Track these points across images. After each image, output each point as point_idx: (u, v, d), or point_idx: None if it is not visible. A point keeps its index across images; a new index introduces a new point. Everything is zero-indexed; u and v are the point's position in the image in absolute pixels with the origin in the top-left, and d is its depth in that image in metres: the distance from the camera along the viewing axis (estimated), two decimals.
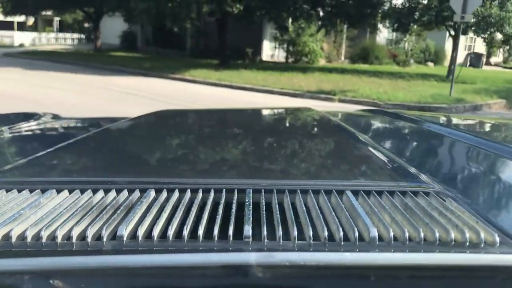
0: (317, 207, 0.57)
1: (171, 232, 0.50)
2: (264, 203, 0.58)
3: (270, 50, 22.67)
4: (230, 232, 0.49)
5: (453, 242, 0.48)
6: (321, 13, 17.21)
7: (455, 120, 1.80)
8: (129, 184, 0.65)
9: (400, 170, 0.79)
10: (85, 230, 0.50)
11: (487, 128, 1.52)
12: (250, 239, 0.48)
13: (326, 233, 0.49)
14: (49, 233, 0.50)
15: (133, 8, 15.91)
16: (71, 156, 0.91)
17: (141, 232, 0.50)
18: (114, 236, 0.49)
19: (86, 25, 33.80)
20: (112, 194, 0.61)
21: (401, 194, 0.62)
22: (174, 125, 1.43)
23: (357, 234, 0.49)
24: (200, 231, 0.49)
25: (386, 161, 0.85)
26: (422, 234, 0.49)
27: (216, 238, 0.49)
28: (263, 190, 0.62)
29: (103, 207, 0.57)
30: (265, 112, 1.97)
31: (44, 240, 0.48)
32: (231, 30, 17.29)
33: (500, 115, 9.26)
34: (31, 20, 42.07)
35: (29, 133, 1.36)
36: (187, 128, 1.40)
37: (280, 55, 22.39)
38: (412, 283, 0.45)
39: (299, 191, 0.62)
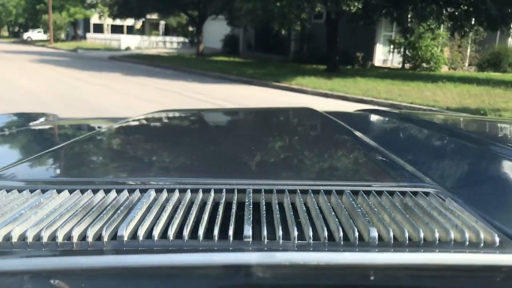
0: (317, 207, 0.57)
1: (171, 232, 0.50)
2: (264, 203, 0.58)
3: (382, 55, 20.35)
4: (230, 232, 0.50)
5: (452, 242, 0.49)
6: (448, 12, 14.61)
7: (454, 120, 1.81)
8: (130, 184, 0.65)
9: (400, 170, 0.79)
10: (85, 230, 0.50)
11: (487, 128, 1.52)
12: (250, 239, 0.49)
13: (326, 233, 0.49)
14: (50, 233, 0.50)
15: (238, 8, 14.68)
16: (71, 156, 0.91)
17: (141, 232, 0.50)
18: (114, 236, 0.50)
19: (190, 28, 33.82)
20: (113, 194, 0.61)
21: (401, 194, 0.62)
22: (174, 125, 1.46)
23: (357, 234, 0.49)
24: (200, 231, 0.49)
25: (386, 161, 0.85)
26: (421, 234, 0.49)
27: (216, 238, 0.49)
28: (263, 190, 0.62)
29: (103, 207, 0.57)
30: (264, 112, 1.95)
31: (44, 240, 0.49)
32: (339, 33, 15.41)
33: None
34: (139, 24, 43.53)
35: (30, 133, 1.36)
36: (187, 128, 1.40)
37: (394, 60, 19.98)
38: (411, 283, 0.45)
39: (299, 191, 0.62)
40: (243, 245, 0.47)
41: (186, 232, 0.49)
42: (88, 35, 37.84)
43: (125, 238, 0.49)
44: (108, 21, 41.16)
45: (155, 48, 30.98)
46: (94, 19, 43.45)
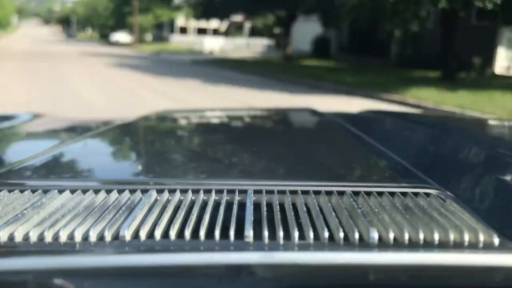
0: (318, 208, 0.57)
1: (172, 232, 0.50)
2: (265, 203, 0.58)
3: (505, 61, 16.78)
4: (231, 232, 0.50)
5: (452, 243, 0.49)
6: None
7: (456, 121, 1.84)
8: (131, 184, 0.65)
9: (401, 171, 0.80)
10: (87, 230, 0.51)
11: (488, 129, 1.53)
12: (251, 239, 0.49)
13: (326, 234, 0.50)
14: (52, 233, 0.50)
15: (340, 5, 12.18)
16: (73, 156, 0.92)
17: (143, 232, 0.50)
18: (116, 236, 0.50)
19: (276, 31, 31.77)
20: (114, 194, 0.62)
21: (402, 195, 0.62)
22: (176, 125, 1.45)
23: (357, 234, 0.50)
24: (202, 231, 0.50)
25: (387, 162, 0.86)
26: (421, 235, 0.50)
27: (217, 238, 0.50)
28: (264, 191, 0.62)
29: (105, 208, 0.57)
30: (266, 112, 1.92)
31: (47, 240, 0.49)
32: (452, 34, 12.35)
33: None
34: (224, 26, 42.38)
35: (32, 133, 1.37)
36: (189, 129, 1.41)
37: None
38: (411, 283, 0.45)
39: (300, 191, 0.62)
40: (244, 245, 0.48)
41: (187, 232, 0.50)
42: (172, 37, 37.06)
43: (127, 238, 0.49)
44: (193, 24, 40.43)
45: (239, 51, 29.23)
46: (180, 21, 42.98)
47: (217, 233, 0.50)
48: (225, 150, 0.98)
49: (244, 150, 0.99)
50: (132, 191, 0.62)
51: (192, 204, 0.59)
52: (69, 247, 0.48)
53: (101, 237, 0.50)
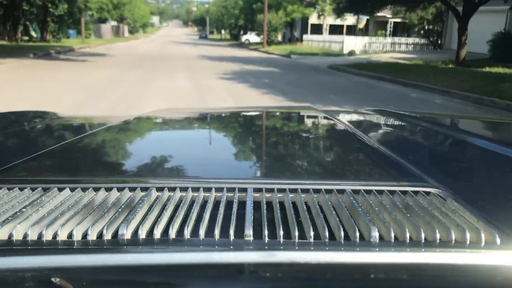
0: (318, 206, 0.57)
1: (172, 231, 0.50)
2: (265, 202, 0.58)
3: None
4: (231, 231, 0.50)
5: (453, 242, 0.49)
6: None
7: (456, 120, 1.82)
8: (131, 182, 0.65)
9: (401, 170, 0.79)
10: (86, 229, 0.50)
11: (489, 128, 1.52)
12: (251, 238, 0.49)
13: (327, 233, 0.49)
14: (51, 232, 0.50)
15: None
16: (72, 154, 0.92)
17: (142, 230, 0.50)
18: (115, 234, 0.50)
19: (427, 27, 25.92)
20: (114, 192, 0.62)
21: (402, 194, 0.62)
22: (176, 124, 1.45)
23: (357, 233, 0.49)
24: (201, 230, 0.50)
25: (387, 160, 0.85)
26: (422, 234, 0.49)
27: (217, 237, 0.49)
28: (264, 189, 0.62)
29: (104, 206, 0.57)
30: (266, 112, 1.87)
31: (46, 238, 0.49)
32: None
33: None
34: (362, 23, 37.26)
35: (31, 131, 1.36)
36: (189, 127, 1.41)
37: None
38: (412, 282, 0.45)
39: (299, 190, 0.62)
40: (244, 244, 0.48)
41: (187, 231, 0.49)
42: (304, 36, 32.91)
43: (126, 237, 0.49)
44: (327, 21, 36.02)
45: (385, 53, 24.02)
46: (312, 19, 38.89)
47: (216, 232, 0.50)
48: (225, 148, 1.00)
49: (244, 148, 1.00)
50: (132, 189, 0.62)
51: (191, 202, 0.59)
52: (68, 246, 0.48)
53: (100, 236, 0.50)
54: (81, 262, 0.44)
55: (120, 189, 0.62)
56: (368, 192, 0.62)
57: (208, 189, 0.62)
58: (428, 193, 0.63)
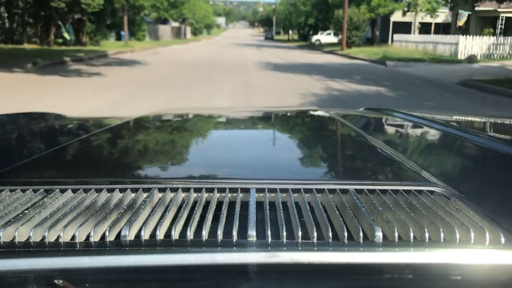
0: (321, 206, 0.57)
1: (174, 231, 0.50)
2: (267, 202, 0.58)
3: None
4: (234, 231, 0.49)
5: (458, 241, 0.48)
6: None
7: (459, 119, 1.75)
8: (133, 184, 0.65)
9: (405, 169, 0.78)
10: (89, 230, 0.50)
11: (493, 127, 1.50)
12: (254, 239, 0.48)
13: (330, 233, 0.49)
14: (53, 233, 0.50)
15: None
16: (75, 155, 0.93)
17: (145, 232, 0.50)
18: (118, 235, 0.50)
19: None
20: (116, 193, 0.61)
21: (405, 193, 0.61)
22: (178, 125, 1.44)
23: (361, 233, 0.49)
24: (204, 231, 0.50)
25: (391, 160, 0.85)
26: (426, 233, 0.49)
27: (220, 238, 0.49)
28: (266, 189, 0.62)
29: (107, 207, 0.57)
30: (270, 112, 1.88)
31: (48, 240, 0.49)
32: None
33: None
34: (462, 19, 30.32)
35: (33, 132, 1.34)
36: (191, 128, 1.39)
37: None
38: (417, 282, 0.45)
39: (302, 190, 0.61)
40: (247, 245, 0.47)
41: (189, 232, 0.49)
42: (396, 36, 26.34)
43: (129, 238, 0.49)
44: (405, 18, 29.47)
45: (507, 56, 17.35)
46: (395, 16, 32.41)
47: (219, 233, 0.49)
48: (228, 149, 0.99)
49: (247, 149, 0.99)
50: (134, 190, 0.62)
51: (194, 203, 0.58)
52: (71, 247, 0.47)
53: (102, 237, 0.49)
54: (84, 263, 0.44)
55: (122, 190, 0.61)
56: (372, 191, 0.61)
57: (210, 190, 0.62)
58: (431, 192, 0.62)
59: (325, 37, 45.01)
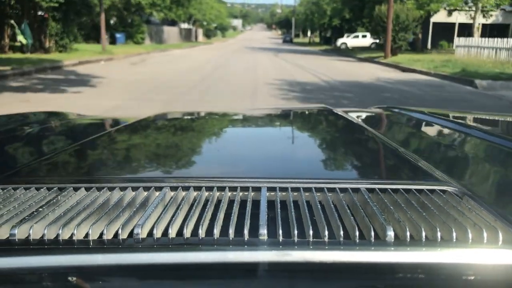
0: (332, 205, 0.57)
1: (186, 230, 0.50)
2: (279, 201, 0.58)
3: None
4: (246, 230, 0.49)
5: (470, 241, 0.48)
6: None
7: (471, 117, 1.72)
8: (145, 182, 0.65)
9: (416, 168, 0.78)
10: (102, 228, 0.51)
11: (506, 125, 1.49)
12: (266, 237, 0.49)
13: (341, 232, 0.49)
14: (67, 231, 0.51)
15: None
16: (87, 154, 0.93)
17: (157, 230, 0.50)
18: (130, 233, 0.50)
19: None
20: (129, 192, 0.62)
21: (417, 192, 0.61)
22: (189, 125, 1.45)
23: (372, 232, 0.49)
24: (216, 229, 0.50)
25: (402, 159, 0.85)
26: (439, 233, 0.49)
27: (231, 236, 0.49)
28: (278, 188, 0.62)
29: (119, 205, 0.57)
30: (280, 111, 1.88)
31: (62, 237, 0.49)
32: None
33: None
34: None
35: (47, 131, 1.36)
36: (202, 128, 1.40)
37: None
38: (429, 281, 0.45)
39: (314, 189, 0.61)
40: (259, 243, 0.47)
41: (201, 230, 0.49)
42: (460, 41, 19.96)
43: (141, 236, 0.49)
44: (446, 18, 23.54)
45: None
46: (437, 17, 26.59)
47: (231, 231, 0.49)
48: (239, 148, 0.99)
49: (258, 148, 0.99)
50: (146, 189, 0.62)
51: (206, 202, 0.59)
52: (84, 245, 0.48)
53: (115, 235, 0.50)
54: (97, 261, 0.45)
55: (134, 189, 0.62)
56: (383, 191, 0.61)
57: (222, 188, 0.62)
58: (444, 191, 0.61)
59: (353, 40, 39.26)
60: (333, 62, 19.87)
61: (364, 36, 40.04)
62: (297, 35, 78.63)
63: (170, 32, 41.99)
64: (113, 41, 30.38)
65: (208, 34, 66.62)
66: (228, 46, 39.64)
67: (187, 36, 49.84)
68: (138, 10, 32.59)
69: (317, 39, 58.73)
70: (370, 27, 21.44)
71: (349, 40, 39.36)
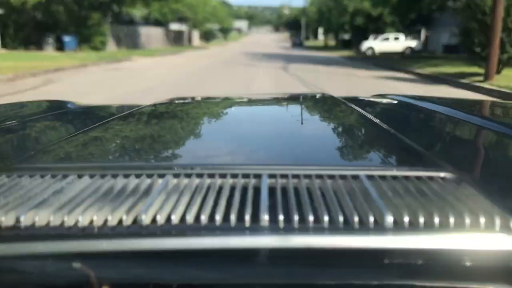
0: (332, 192, 0.57)
1: (189, 216, 0.51)
2: (279, 187, 0.59)
3: None
4: (247, 216, 0.50)
5: (468, 227, 0.49)
6: None
7: (470, 104, 1.76)
8: (148, 169, 0.66)
9: (416, 155, 0.79)
10: (106, 215, 0.51)
11: (504, 112, 1.48)
12: (267, 223, 0.49)
13: (341, 218, 0.50)
14: (72, 218, 0.51)
15: None
16: (91, 142, 0.94)
17: (160, 216, 0.51)
18: (134, 220, 0.51)
19: None
20: (132, 179, 0.63)
21: (416, 179, 0.62)
22: (190, 112, 1.45)
23: (372, 218, 0.49)
24: (217, 216, 0.51)
25: (401, 146, 0.86)
26: (437, 219, 0.50)
27: (233, 222, 0.50)
28: (278, 175, 0.63)
29: (123, 192, 0.58)
30: (280, 97, 1.91)
31: (67, 224, 0.50)
32: None
33: None
34: None
35: (50, 120, 1.35)
36: (203, 115, 1.38)
37: None
38: (427, 267, 0.46)
39: (314, 175, 0.62)
40: (260, 229, 0.48)
41: (203, 216, 0.50)
42: None
43: (145, 222, 0.50)
44: None
45: None
46: None
47: (232, 217, 0.50)
48: (240, 135, 1.00)
49: (258, 135, 1.00)
50: (149, 176, 0.63)
51: (208, 188, 0.60)
52: (89, 231, 0.49)
53: (119, 221, 0.51)
54: (102, 247, 0.46)
55: (138, 176, 0.63)
56: (383, 177, 0.62)
57: (223, 175, 0.63)
58: (442, 178, 0.62)
59: (382, 43, 30.72)
60: (384, 84, 11.29)
61: (396, 39, 31.48)
62: (307, 38, 70.08)
63: (151, 34, 33.54)
64: (61, 46, 22.07)
65: (207, 37, 58.27)
66: (224, 53, 31.07)
67: (177, 39, 41.39)
68: (100, 4, 24.15)
69: (331, 42, 50.15)
70: (460, 26, 12.21)
71: (377, 44, 30.81)
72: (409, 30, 34.59)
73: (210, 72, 14.43)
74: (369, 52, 30.16)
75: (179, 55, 26.01)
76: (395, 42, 30.91)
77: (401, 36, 31.60)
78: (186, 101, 1.64)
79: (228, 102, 1.66)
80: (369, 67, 17.78)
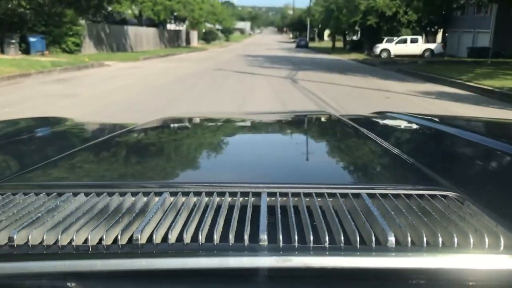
0: (333, 211, 0.57)
1: (186, 235, 0.50)
2: (279, 206, 0.58)
3: None
4: (246, 235, 0.49)
5: (472, 246, 0.48)
6: None
7: (472, 122, 1.73)
8: (145, 187, 0.65)
9: (417, 173, 0.79)
10: (101, 234, 0.51)
11: (506, 130, 1.48)
12: (266, 243, 0.49)
13: (342, 237, 0.49)
14: (66, 236, 0.50)
15: None
16: (87, 160, 0.93)
17: (156, 235, 0.50)
18: (130, 239, 0.50)
19: None
20: (128, 197, 0.62)
21: (418, 198, 0.61)
22: (188, 130, 1.45)
23: (373, 238, 0.49)
24: (216, 235, 0.50)
25: (403, 164, 0.85)
26: (440, 238, 0.49)
27: (231, 242, 0.49)
28: (278, 193, 0.62)
29: (119, 211, 0.57)
30: (280, 116, 1.87)
31: (61, 243, 0.49)
32: None
33: None
34: None
35: (46, 137, 1.36)
36: (201, 133, 1.38)
37: None
38: (430, 287, 0.45)
39: (314, 194, 0.62)
40: (259, 249, 0.47)
41: (201, 236, 0.49)
42: None
43: (141, 241, 0.49)
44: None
45: None
46: None
47: (231, 237, 0.49)
48: (239, 153, 0.99)
49: (258, 153, 0.98)
50: (146, 194, 0.62)
51: (205, 207, 0.59)
52: (83, 250, 0.48)
53: (115, 240, 0.49)
54: (96, 267, 0.45)
55: (134, 194, 0.62)
56: (384, 196, 0.61)
57: (222, 194, 0.62)
58: (445, 196, 0.61)
59: (398, 46, 27.37)
60: (451, 109, 7.81)
61: (414, 41, 28.08)
62: (311, 39, 66.56)
63: (141, 34, 30.10)
64: (26, 47, 18.58)
65: (206, 38, 54.83)
66: (222, 55, 27.65)
67: (172, 40, 37.94)
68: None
69: (339, 43, 46.64)
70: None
71: (392, 46, 27.44)
72: (425, 31, 31.19)
73: (188, 87, 10.90)
74: (384, 55, 26.81)
75: (167, 59, 22.52)
76: (413, 44, 27.59)
77: (419, 38, 28.22)
78: (183, 119, 1.61)
79: (227, 120, 1.60)
80: (396, 76, 14.30)
